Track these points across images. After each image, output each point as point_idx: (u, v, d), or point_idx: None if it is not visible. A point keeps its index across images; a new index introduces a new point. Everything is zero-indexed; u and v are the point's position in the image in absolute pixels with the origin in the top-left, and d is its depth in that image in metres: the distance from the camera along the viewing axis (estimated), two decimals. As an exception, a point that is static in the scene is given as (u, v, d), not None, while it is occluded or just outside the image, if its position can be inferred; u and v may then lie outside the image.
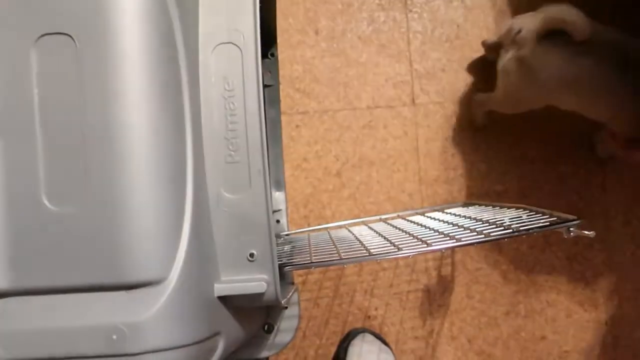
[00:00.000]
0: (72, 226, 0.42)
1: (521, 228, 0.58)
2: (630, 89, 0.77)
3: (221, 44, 0.48)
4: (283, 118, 0.96)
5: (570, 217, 0.59)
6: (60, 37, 0.42)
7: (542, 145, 1.00)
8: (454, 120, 1.00)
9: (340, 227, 0.91)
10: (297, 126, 1.00)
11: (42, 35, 0.42)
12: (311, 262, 0.58)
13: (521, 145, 1.00)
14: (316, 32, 1.00)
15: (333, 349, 0.99)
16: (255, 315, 0.68)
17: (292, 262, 0.58)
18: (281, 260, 0.60)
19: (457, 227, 0.66)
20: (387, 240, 0.65)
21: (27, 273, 0.42)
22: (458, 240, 0.58)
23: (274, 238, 0.48)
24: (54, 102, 0.42)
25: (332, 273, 1.00)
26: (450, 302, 1.00)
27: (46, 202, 0.42)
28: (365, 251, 0.59)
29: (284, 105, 0.98)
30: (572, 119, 0.98)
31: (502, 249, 1.00)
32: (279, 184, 0.88)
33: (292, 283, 0.76)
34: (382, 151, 1.00)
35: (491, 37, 0.98)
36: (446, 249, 0.58)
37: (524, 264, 1.00)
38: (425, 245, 0.58)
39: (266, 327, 0.73)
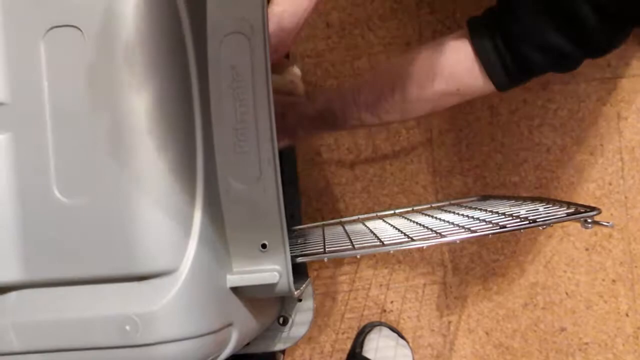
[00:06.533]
0: (84, 217, 0.42)
1: (537, 219, 0.57)
2: None
3: (229, 34, 0.48)
4: (295, 112, 0.96)
5: (588, 208, 0.58)
6: (68, 29, 0.42)
7: (559, 134, 0.98)
8: (468, 110, 0.99)
9: (354, 220, 0.90)
10: (309, 120, 0.99)
11: (51, 28, 0.42)
12: (324, 252, 0.57)
13: (537, 135, 0.98)
14: (327, 25, 1.00)
15: (349, 343, 0.98)
16: (270, 307, 0.69)
17: (304, 253, 0.58)
18: (294, 252, 0.60)
19: (471, 219, 0.65)
20: (400, 231, 0.64)
21: (39, 265, 0.43)
22: (472, 231, 0.57)
23: (285, 228, 0.48)
24: (64, 94, 0.42)
25: (348, 267, 1.00)
26: (467, 294, 0.99)
27: (57, 194, 0.42)
28: (378, 242, 0.59)
29: (296, 99, 0.98)
30: (587, 108, 0.96)
31: (519, 240, 0.99)
32: (292, 178, 0.87)
33: (306, 276, 0.76)
34: (395, 143, 0.99)
35: None
36: (460, 240, 0.57)
37: (541, 255, 0.98)
38: (439, 237, 0.57)
39: (281, 320, 0.74)
